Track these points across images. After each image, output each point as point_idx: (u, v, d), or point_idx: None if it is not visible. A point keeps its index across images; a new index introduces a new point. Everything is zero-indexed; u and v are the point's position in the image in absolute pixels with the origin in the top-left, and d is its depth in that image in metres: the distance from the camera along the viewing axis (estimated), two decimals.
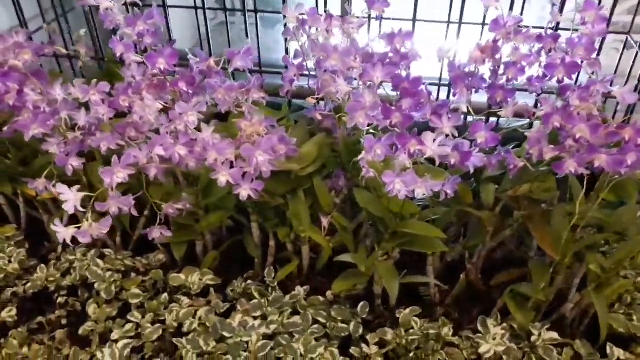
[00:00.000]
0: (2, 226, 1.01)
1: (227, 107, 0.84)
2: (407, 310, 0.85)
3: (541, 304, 0.87)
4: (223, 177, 0.72)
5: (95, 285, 0.89)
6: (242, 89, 0.80)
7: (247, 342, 0.80)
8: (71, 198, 0.67)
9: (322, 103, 0.91)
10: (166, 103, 0.80)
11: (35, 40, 1.04)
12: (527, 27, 0.80)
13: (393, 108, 0.74)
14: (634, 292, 0.89)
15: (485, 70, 0.86)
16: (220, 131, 0.78)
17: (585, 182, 0.73)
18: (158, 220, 0.83)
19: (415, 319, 0.84)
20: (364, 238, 0.95)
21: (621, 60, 0.98)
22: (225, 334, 0.80)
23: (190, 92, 0.82)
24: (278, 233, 0.90)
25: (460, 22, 0.95)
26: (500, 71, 0.82)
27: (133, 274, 0.92)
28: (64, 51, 0.94)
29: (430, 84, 1.06)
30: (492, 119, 0.96)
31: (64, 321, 0.89)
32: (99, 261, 0.92)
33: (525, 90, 0.85)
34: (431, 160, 0.75)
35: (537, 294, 0.81)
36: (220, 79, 0.83)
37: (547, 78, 0.80)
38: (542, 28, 0.81)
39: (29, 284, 0.91)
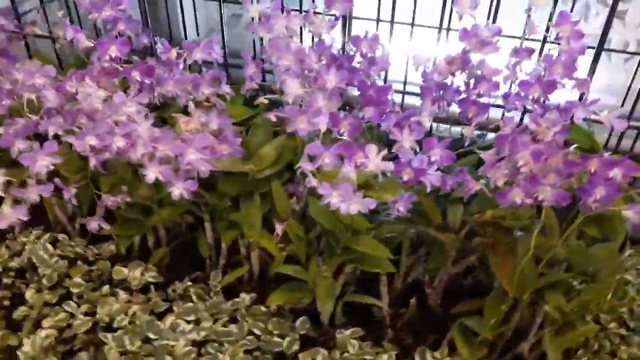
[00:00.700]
0: None
1: (185, 101, 0.81)
2: (348, 332, 0.80)
3: (496, 340, 0.80)
4: (152, 174, 0.68)
5: (39, 270, 0.87)
6: (193, 82, 0.76)
7: (173, 346, 0.76)
8: None
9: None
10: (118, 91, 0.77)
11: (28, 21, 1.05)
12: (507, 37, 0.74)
13: (341, 116, 0.69)
14: (603, 339, 0.81)
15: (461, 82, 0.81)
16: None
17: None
18: (100, 211, 0.80)
19: (354, 341, 0.78)
20: (320, 251, 0.90)
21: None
22: (151, 335, 0.77)
23: (148, 81, 0.80)
24: (224, 236, 0.86)
25: (441, 28, 0.89)
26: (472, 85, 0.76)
27: (80, 263, 0.90)
28: (39, 32, 0.93)
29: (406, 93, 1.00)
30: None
31: (6, 302, 0.88)
32: (49, 246, 0.90)
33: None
34: None
35: (485, 332, 0.75)
36: (177, 70, 0.80)
37: (524, 96, 0.74)
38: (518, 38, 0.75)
39: None
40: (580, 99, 0.86)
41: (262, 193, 0.86)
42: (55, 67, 1.03)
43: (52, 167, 0.68)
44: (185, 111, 0.84)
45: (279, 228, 0.86)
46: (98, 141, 0.69)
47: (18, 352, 0.75)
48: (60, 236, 0.94)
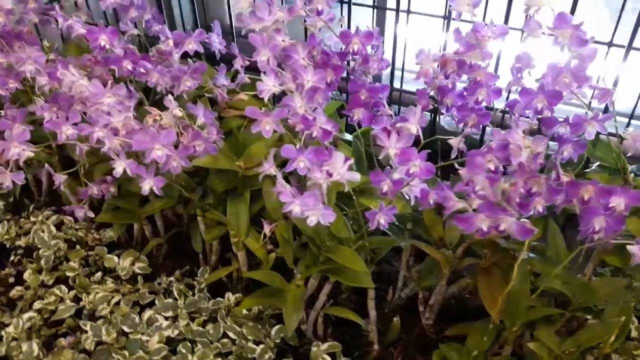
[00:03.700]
0: None
1: (176, 92, 0.79)
2: (325, 346, 0.76)
3: None
4: (120, 167, 0.67)
5: (40, 251, 0.90)
6: (173, 74, 0.74)
7: (147, 341, 0.76)
8: None
9: None
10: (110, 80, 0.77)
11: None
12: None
13: (311, 119, 0.65)
14: None
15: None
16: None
17: None
18: (85, 199, 0.81)
19: (327, 357, 0.74)
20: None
21: None
22: (125, 329, 0.77)
23: (142, 71, 0.79)
24: (206, 233, 0.84)
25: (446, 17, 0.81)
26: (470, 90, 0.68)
27: (79, 247, 0.92)
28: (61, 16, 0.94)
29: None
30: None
31: (11, 279, 0.91)
32: (53, 228, 0.93)
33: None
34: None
35: None
36: (171, 60, 0.78)
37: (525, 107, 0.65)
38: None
39: None
40: (606, 111, 0.75)
41: (253, 192, 0.84)
42: (86, 52, 1.06)
43: (24, 155, 0.69)
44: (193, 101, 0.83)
45: (267, 228, 0.83)
46: (74, 131, 0.69)
47: (2, 332, 0.78)
48: (67, 219, 0.96)
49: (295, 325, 0.72)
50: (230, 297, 0.83)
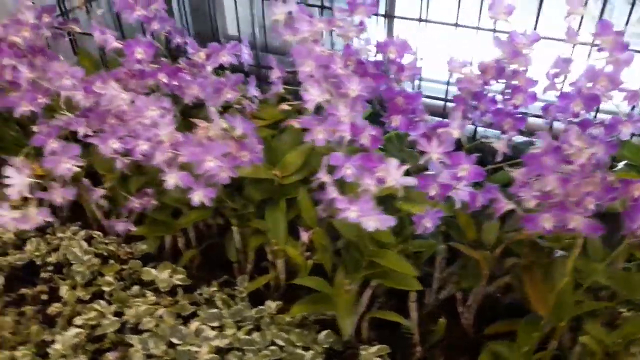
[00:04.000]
0: None
1: (213, 103, 0.80)
2: (374, 349, 0.77)
3: None
4: (171, 179, 0.68)
5: (73, 267, 0.90)
6: (215, 86, 0.75)
7: (196, 352, 0.76)
8: (17, 183, 0.67)
9: None
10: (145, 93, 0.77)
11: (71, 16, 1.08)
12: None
13: (362, 126, 0.66)
14: None
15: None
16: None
17: None
18: (126, 212, 0.81)
19: (378, 359, 0.75)
20: (346, 262, 0.87)
21: None
22: (175, 340, 0.77)
23: (175, 83, 0.80)
24: (249, 242, 0.85)
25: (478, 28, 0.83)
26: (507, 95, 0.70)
27: (112, 261, 0.92)
28: (78, 30, 0.95)
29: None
30: None
31: (44, 296, 0.91)
32: (84, 243, 0.93)
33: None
34: None
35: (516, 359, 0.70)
36: (205, 73, 0.79)
37: (563, 108, 0.68)
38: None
39: (18, 255, 0.93)
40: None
41: (288, 199, 0.85)
42: (99, 65, 1.06)
43: (75, 169, 0.69)
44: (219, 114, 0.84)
45: (304, 236, 0.84)
46: (121, 144, 0.70)
47: (48, 350, 0.77)
48: (95, 233, 0.96)
49: (350, 330, 0.73)
50: (271, 304, 0.84)
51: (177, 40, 0.92)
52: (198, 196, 0.70)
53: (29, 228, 0.68)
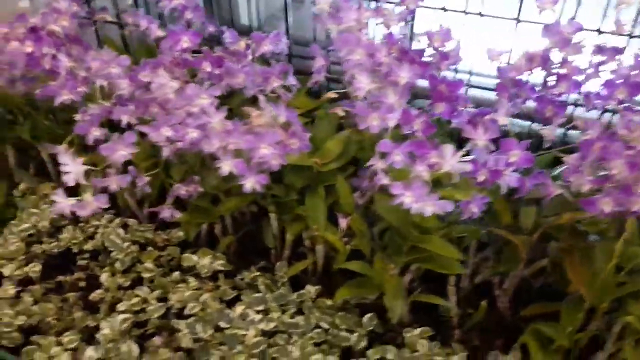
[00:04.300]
0: (42, 183, 1.05)
1: (253, 92, 0.81)
2: (417, 331, 0.79)
3: (571, 347, 0.77)
4: (226, 166, 0.69)
5: (112, 254, 0.90)
6: (263, 75, 0.76)
7: (243, 336, 0.78)
8: (73, 170, 0.67)
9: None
10: (191, 81, 0.78)
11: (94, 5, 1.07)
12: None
13: (414, 113, 0.67)
14: None
15: (538, 79, 0.77)
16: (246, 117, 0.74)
17: None
18: (167, 200, 0.82)
19: (423, 341, 0.77)
20: (385, 246, 0.89)
21: None
22: (223, 324, 0.78)
23: (217, 72, 0.80)
24: (290, 229, 0.86)
25: (518, 20, 0.85)
26: (551, 83, 0.72)
27: (150, 248, 0.93)
28: (109, 18, 0.95)
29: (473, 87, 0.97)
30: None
31: (82, 283, 0.91)
32: (121, 231, 0.93)
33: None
34: None
35: (561, 339, 0.72)
36: (245, 62, 0.80)
37: (607, 96, 0.69)
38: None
39: (54, 243, 0.94)
40: None
41: (325, 186, 0.86)
42: (123, 54, 1.06)
43: (129, 157, 0.70)
44: (251, 102, 0.85)
45: (342, 222, 0.86)
46: (173, 132, 0.70)
47: (97, 335, 0.78)
48: (130, 221, 0.96)
49: (399, 313, 0.75)
50: (311, 289, 0.86)
51: (210, 29, 0.92)
52: (250, 183, 0.71)
53: (85, 215, 0.69)
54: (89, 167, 0.69)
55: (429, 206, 0.63)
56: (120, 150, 0.69)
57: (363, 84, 0.70)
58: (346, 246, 0.87)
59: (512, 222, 0.83)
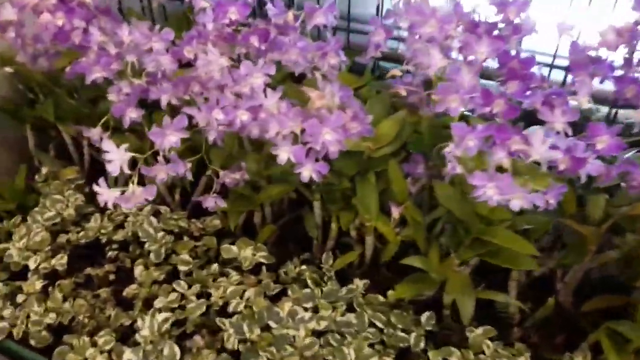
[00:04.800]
0: (65, 167, 0.98)
1: (301, 69, 0.74)
2: (480, 330, 0.73)
3: None
4: (284, 154, 0.62)
5: (146, 245, 0.84)
6: (318, 50, 0.69)
7: (294, 336, 0.72)
8: (117, 158, 0.60)
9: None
10: (234, 59, 0.71)
11: None
12: None
13: (495, 93, 0.61)
14: None
15: (616, 56, 0.70)
16: (291, 96, 0.68)
17: None
18: (214, 188, 0.76)
19: (488, 342, 0.72)
20: (438, 236, 0.83)
21: None
22: (272, 324, 0.73)
23: (263, 47, 0.73)
24: (340, 219, 0.80)
25: None
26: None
27: (186, 238, 0.86)
28: None
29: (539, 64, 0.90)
30: None
31: (112, 277, 0.85)
32: (153, 219, 0.87)
33: None
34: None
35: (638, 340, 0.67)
36: (295, 36, 0.72)
37: None
38: None
39: (82, 233, 0.87)
40: None
41: (375, 172, 0.80)
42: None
43: (179, 143, 0.63)
44: (295, 79, 0.78)
45: (395, 212, 0.80)
46: (224, 115, 0.63)
47: (136, 336, 0.72)
48: (162, 209, 0.90)
49: (471, 312, 0.69)
50: (359, 283, 0.80)
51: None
52: (308, 171, 0.64)
53: (131, 207, 0.62)
54: (134, 154, 0.62)
55: (517, 199, 0.57)
56: (171, 136, 0.62)
57: (436, 59, 0.63)
58: (397, 237, 0.82)
59: (576, 212, 0.77)
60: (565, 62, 0.87)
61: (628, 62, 0.68)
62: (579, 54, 0.70)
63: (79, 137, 0.95)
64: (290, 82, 0.79)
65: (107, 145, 0.60)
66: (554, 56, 0.88)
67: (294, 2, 0.98)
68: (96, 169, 1.01)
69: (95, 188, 0.62)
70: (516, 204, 0.57)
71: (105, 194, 0.61)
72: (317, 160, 0.65)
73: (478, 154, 0.60)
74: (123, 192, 0.62)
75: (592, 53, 0.70)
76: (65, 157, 1.01)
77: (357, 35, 1.01)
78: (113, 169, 0.60)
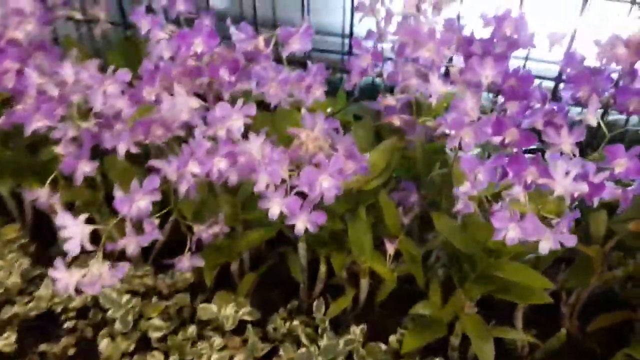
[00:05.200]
0: (3, 226, 0.85)
1: (277, 101, 0.65)
2: None
3: None
4: (276, 207, 0.54)
5: (109, 312, 0.73)
6: (300, 81, 0.61)
7: None
8: (76, 233, 0.50)
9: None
10: (201, 95, 0.62)
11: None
12: None
13: (506, 122, 0.55)
14: None
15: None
16: (264, 124, 0.59)
17: None
18: (187, 246, 0.66)
19: None
20: (434, 267, 0.77)
21: None
22: None
23: (233, 80, 0.64)
24: (332, 260, 0.72)
25: None
26: None
27: (154, 298, 0.76)
28: (79, 16, 0.76)
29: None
30: None
31: (71, 351, 0.74)
32: None
33: None
34: None
35: None
36: (269, 64, 0.64)
37: None
38: None
39: (31, 304, 0.75)
40: None
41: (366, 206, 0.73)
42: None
43: (150, 208, 0.53)
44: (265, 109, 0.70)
45: (390, 248, 0.73)
46: (200, 168, 0.54)
47: None
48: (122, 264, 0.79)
49: (492, 356, 0.63)
50: (356, 330, 0.73)
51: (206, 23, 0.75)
52: (302, 223, 0.56)
53: (97, 291, 0.52)
54: (95, 226, 0.52)
55: (546, 242, 0.51)
56: (140, 201, 0.52)
57: (436, 86, 0.57)
58: (393, 274, 0.75)
59: (577, 231, 0.73)
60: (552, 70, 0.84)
61: (632, 73, 0.64)
62: (577, 66, 0.66)
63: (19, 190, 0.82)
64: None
65: (64, 219, 0.50)
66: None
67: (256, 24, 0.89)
68: (41, 221, 0.88)
69: (51, 273, 0.51)
70: (545, 247, 0.51)
71: (64, 278, 0.51)
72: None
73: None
74: (85, 275, 0.52)
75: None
76: (3, 213, 0.88)
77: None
78: (72, 247, 0.50)
